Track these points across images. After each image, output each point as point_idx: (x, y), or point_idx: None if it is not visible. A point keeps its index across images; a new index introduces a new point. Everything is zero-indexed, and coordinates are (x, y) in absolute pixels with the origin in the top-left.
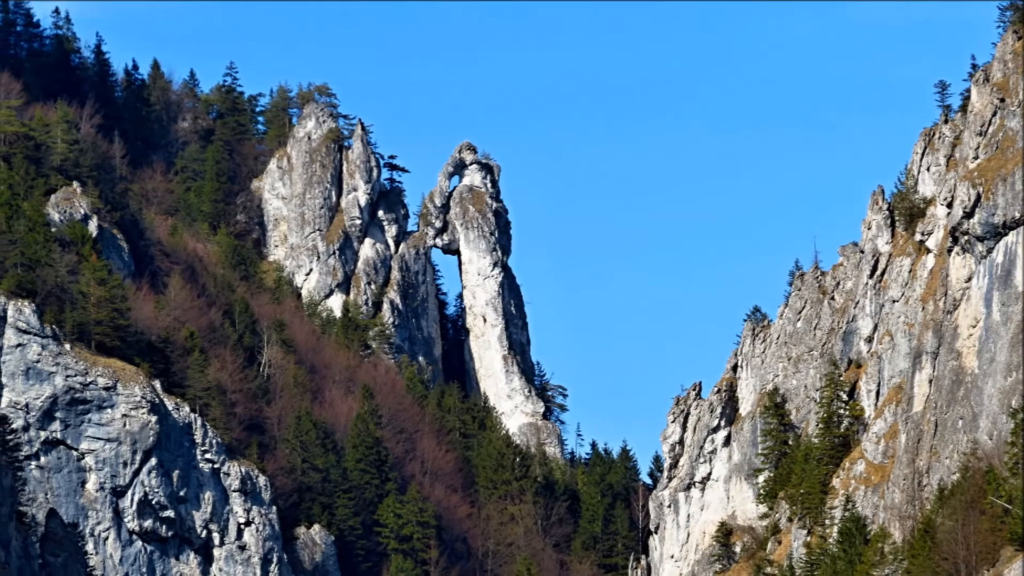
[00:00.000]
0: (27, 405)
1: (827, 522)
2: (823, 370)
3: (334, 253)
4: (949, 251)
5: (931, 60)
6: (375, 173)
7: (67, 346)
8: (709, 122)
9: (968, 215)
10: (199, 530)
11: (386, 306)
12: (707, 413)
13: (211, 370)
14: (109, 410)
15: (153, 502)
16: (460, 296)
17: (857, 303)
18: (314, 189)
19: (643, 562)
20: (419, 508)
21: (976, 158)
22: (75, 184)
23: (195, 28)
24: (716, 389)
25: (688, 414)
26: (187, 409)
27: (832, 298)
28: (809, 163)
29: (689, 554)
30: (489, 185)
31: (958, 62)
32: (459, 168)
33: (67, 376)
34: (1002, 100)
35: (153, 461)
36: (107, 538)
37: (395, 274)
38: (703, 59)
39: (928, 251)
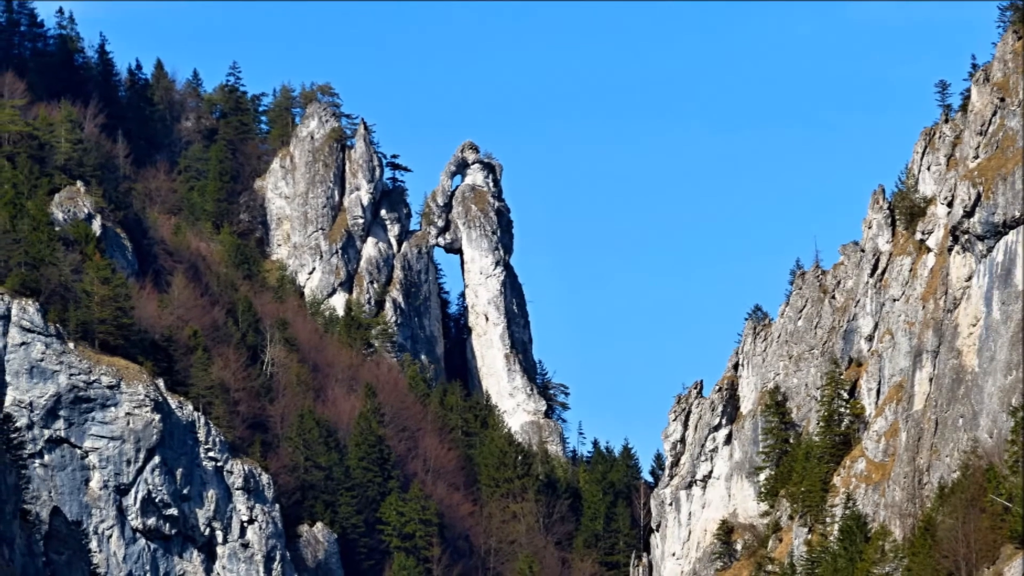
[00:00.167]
0: (31, 403)
1: (828, 520)
2: (824, 369)
3: (337, 252)
4: (949, 250)
5: (931, 60)
6: (378, 172)
7: (71, 345)
8: (710, 122)
9: (968, 214)
10: (202, 528)
11: (388, 305)
12: (708, 411)
13: (214, 369)
14: (113, 408)
15: (156, 500)
16: (462, 295)
17: (858, 302)
18: (317, 188)
19: (644, 560)
20: (421, 506)
21: (976, 157)
22: (79, 183)
23: (198, 28)
24: (717, 387)
25: (689, 412)
26: (190, 407)
27: (833, 297)
28: (809, 163)
29: (690, 552)
30: (491, 184)
31: (958, 62)
32: (461, 167)
33: (71, 375)
34: (1002, 100)
35: (156, 459)
36: (111, 536)
37: (397, 273)
38: (703, 59)
39: (928, 250)
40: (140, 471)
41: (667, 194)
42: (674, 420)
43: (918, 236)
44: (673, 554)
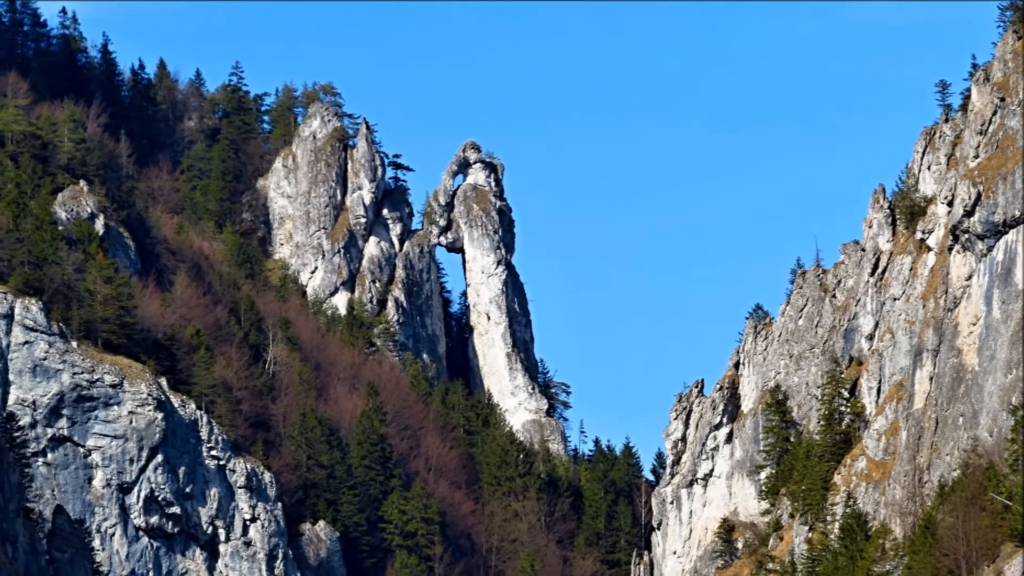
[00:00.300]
0: (34, 402)
1: (828, 518)
2: (824, 367)
3: (339, 251)
4: (950, 249)
5: (931, 60)
6: (380, 172)
7: (74, 344)
8: (710, 121)
9: (968, 213)
10: (205, 526)
11: (390, 304)
12: (709, 410)
13: (217, 367)
14: (115, 407)
15: (159, 498)
16: (464, 294)
17: (858, 301)
18: (319, 188)
19: (646, 558)
20: (423, 504)
21: (976, 157)
22: (82, 183)
23: (201, 28)
24: (718, 386)
25: (690, 411)
26: (193, 406)
27: (833, 296)
28: (810, 162)
29: (691, 550)
30: (493, 184)
31: (958, 62)
32: (463, 167)
33: (74, 373)
34: (1002, 99)
35: (159, 458)
36: (113, 534)
37: (399, 272)
38: (704, 59)
39: (929, 249)
40: (143, 470)
41: (668, 193)
42: (675, 419)
43: (918, 235)
44: (674, 552)
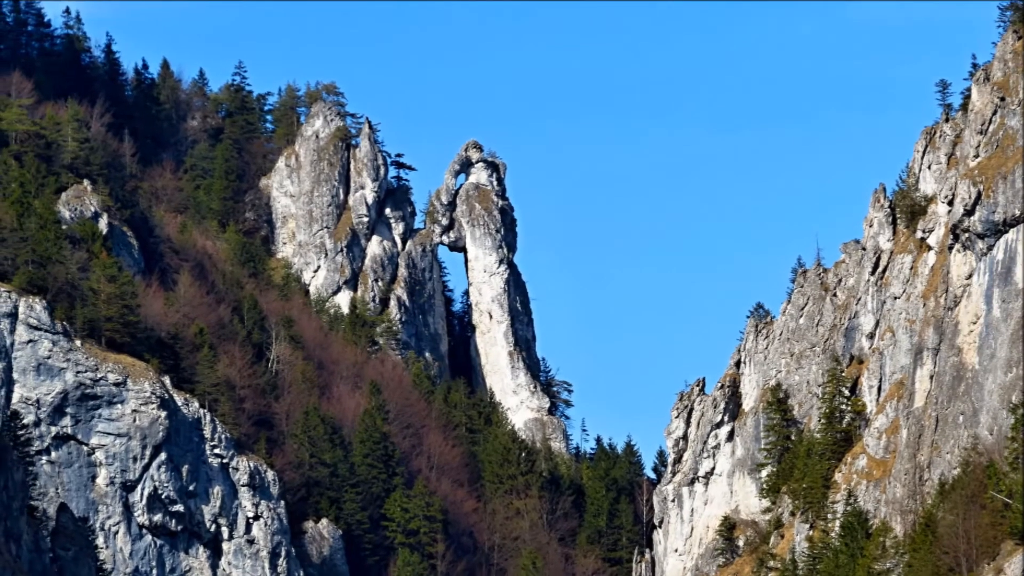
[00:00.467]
0: (38, 401)
1: (829, 516)
2: (825, 366)
3: (342, 250)
4: (950, 248)
5: (931, 60)
6: (382, 171)
7: (77, 342)
8: (711, 121)
9: (969, 213)
10: (208, 524)
11: (393, 303)
12: (710, 408)
13: (220, 366)
14: (119, 406)
15: (163, 496)
16: (466, 293)
17: (859, 300)
18: (322, 187)
19: (647, 556)
20: (426, 502)
21: (977, 156)
22: (85, 182)
23: (204, 28)
24: (719, 385)
25: (692, 409)
26: (196, 404)
27: (834, 295)
28: (811, 162)
29: (693, 548)
30: (495, 183)
31: (958, 61)
32: (465, 166)
33: (77, 372)
34: (1002, 99)
35: (163, 456)
36: (117, 532)
37: (402, 271)
38: (705, 59)
39: (929, 248)
40: (146, 468)
41: (669, 193)
42: (676, 417)
43: (919, 234)
44: (675, 550)
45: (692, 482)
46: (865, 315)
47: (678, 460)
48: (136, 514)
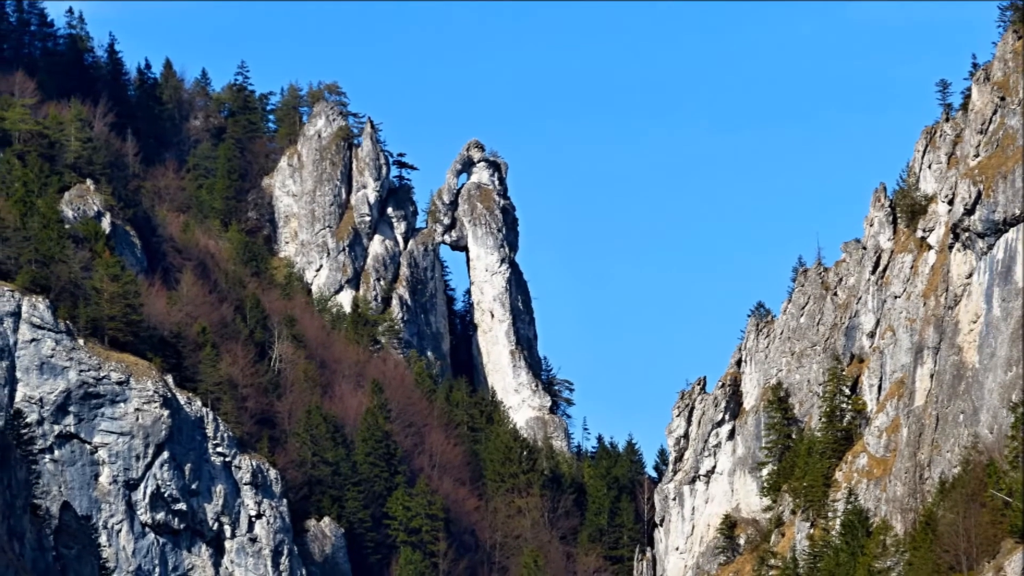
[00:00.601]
0: (41, 399)
1: (830, 515)
2: (826, 365)
3: (344, 250)
4: (950, 247)
5: (931, 60)
6: (384, 171)
7: (80, 341)
8: (712, 121)
9: (969, 212)
10: (211, 523)
11: (395, 302)
12: (711, 407)
13: (222, 365)
14: (122, 404)
15: (165, 495)
16: (468, 292)
17: (859, 299)
18: (324, 186)
19: (648, 554)
20: (428, 501)
21: (977, 156)
22: (88, 181)
23: (207, 28)
24: (720, 384)
25: (693, 408)
26: (199, 403)
27: (835, 294)
28: (811, 161)
29: (694, 546)
30: (496, 182)
31: (958, 61)
32: (467, 166)
33: (80, 371)
34: (1002, 99)
35: (165, 455)
36: (120, 530)
37: (404, 270)
38: (705, 59)
39: (929, 247)
40: (149, 466)
41: (670, 192)
42: (678, 416)
43: (919, 234)
44: (677, 548)
45: (693, 480)
46: (865, 314)
47: (679, 459)
48: (139, 512)
